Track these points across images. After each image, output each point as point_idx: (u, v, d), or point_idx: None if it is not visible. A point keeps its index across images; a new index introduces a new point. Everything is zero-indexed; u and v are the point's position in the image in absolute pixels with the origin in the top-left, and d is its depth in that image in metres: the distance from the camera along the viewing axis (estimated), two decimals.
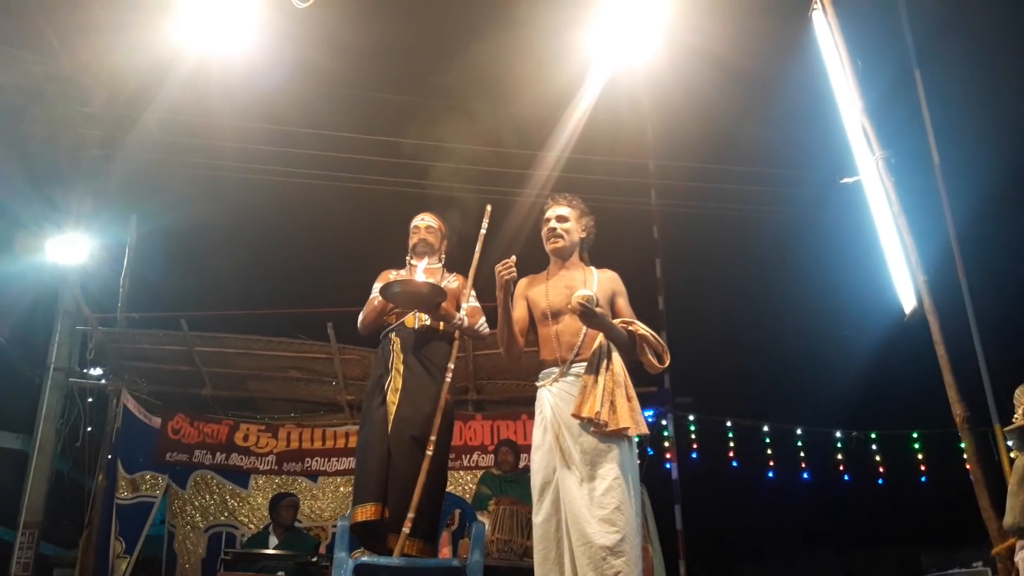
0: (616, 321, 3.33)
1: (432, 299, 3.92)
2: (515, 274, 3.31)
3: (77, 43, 6.46)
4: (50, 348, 7.78)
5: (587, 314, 3.17)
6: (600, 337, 3.27)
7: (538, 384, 3.40)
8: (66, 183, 7.67)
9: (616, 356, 3.25)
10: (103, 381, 7.70)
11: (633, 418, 3.16)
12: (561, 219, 3.56)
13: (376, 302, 4.03)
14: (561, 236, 3.53)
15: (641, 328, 3.35)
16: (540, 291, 3.49)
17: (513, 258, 3.32)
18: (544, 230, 3.57)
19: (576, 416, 3.13)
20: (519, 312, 3.49)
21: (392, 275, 4.14)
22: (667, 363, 3.35)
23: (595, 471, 3.07)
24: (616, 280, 3.54)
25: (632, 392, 3.24)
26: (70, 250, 7.62)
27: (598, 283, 3.45)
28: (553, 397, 3.28)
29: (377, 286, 4.10)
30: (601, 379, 3.17)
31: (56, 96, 6.40)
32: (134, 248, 8.31)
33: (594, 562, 2.94)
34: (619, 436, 3.13)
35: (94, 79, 6.25)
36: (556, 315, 3.38)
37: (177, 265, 9.63)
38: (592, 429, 3.12)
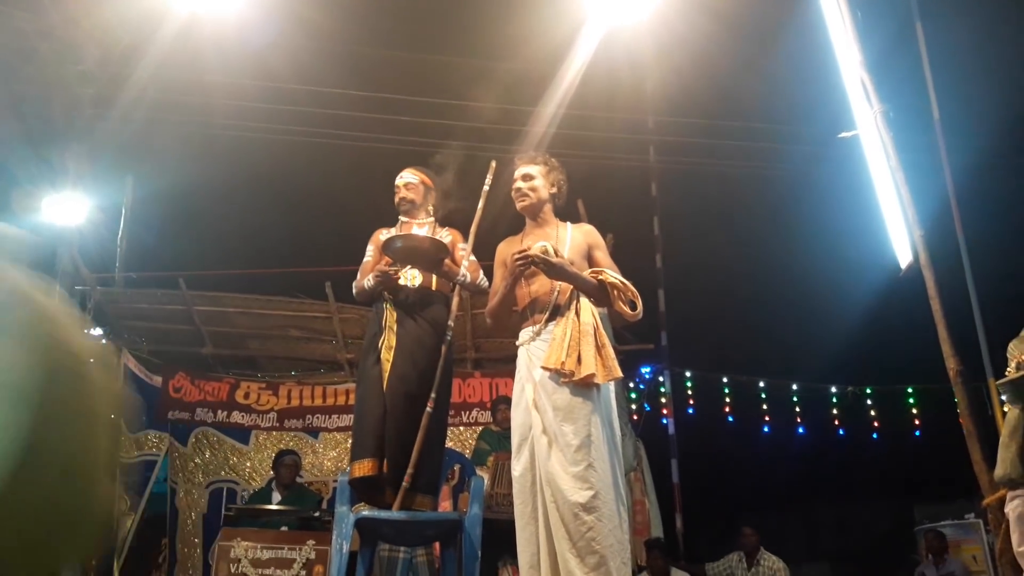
0: (585, 272, 3.32)
1: (435, 254, 3.93)
2: (529, 269, 3.30)
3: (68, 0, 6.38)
4: None
5: (547, 264, 3.19)
6: (571, 291, 3.28)
7: (517, 343, 3.42)
8: (61, 142, 7.62)
9: (585, 305, 3.24)
10: (103, 341, 7.74)
11: (603, 364, 3.13)
12: (527, 177, 3.53)
13: (367, 287, 4.02)
14: (527, 195, 3.51)
15: (610, 276, 3.32)
16: (516, 252, 3.50)
17: (531, 252, 3.30)
18: (512, 190, 3.56)
19: (545, 368, 3.14)
20: (501, 277, 3.51)
21: (383, 234, 4.13)
22: (639, 310, 3.33)
23: (567, 427, 3.07)
24: (591, 233, 3.52)
25: (604, 340, 3.22)
26: (67, 210, 7.60)
27: (571, 238, 3.43)
28: (529, 355, 3.30)
29: (370, 248, 4.09)
30: (568, 329, 3.18)
31: (49, 55, 6.32)
32: (131, 208, 8.30)
33: (566, 518, 2.97)
34: (588, 387, 3.12)
35: (87, 36, 6.17)
36: (530, 275, 3.36)
37: (174, 225, 9.62)
38: (561, 381, 3.12)
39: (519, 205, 3.54)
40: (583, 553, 2.94)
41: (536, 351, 3.27)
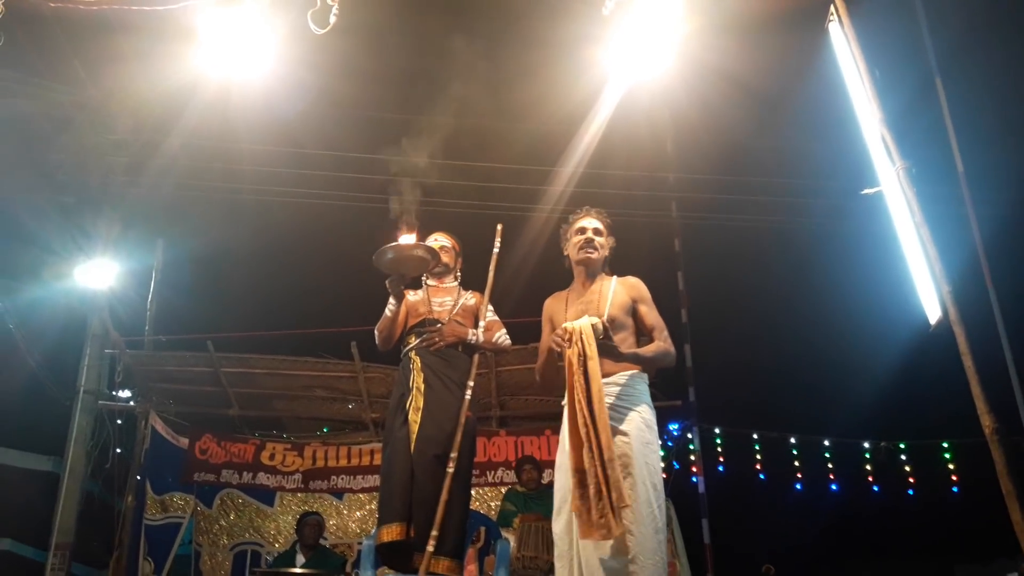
0: (627, 350, 3.28)
1: (426, 261, 3.97)
2: (567, 349, 3.28)
3: (102, 72, 6.59)
4: (80, 371, 7.91)
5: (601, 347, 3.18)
6: None
7: (563, 403, 3.39)
8: (93, 209, 7.82)
9: None
10: (131, 403, 7.82)
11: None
12: (598, 232, 3.55)
13: (389, 312, 4.05)
14: (596, 249, 3.52)
15: (649, 352, 3.35)
16: (561, 311, 3.49)
17: (570, 336, 3.28)
18: (578, 239, 3.53)
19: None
20: (547, 334, 3.50)
21: (410, 295, 4.17)
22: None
23: None
24: (637, 287, 3.49)
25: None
26: (98, 275, 7.76)
27: (614, 294, 3.42)
28: None
29: (391, 301, 4.09)
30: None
31: (83, 124, 6.53)
32: (160, 272, 8.45)
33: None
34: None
35: (120, 106, 6.38)
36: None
37: (202, 288, 9.76)
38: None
39: (585, 256, 3.51)
40: None
41: None
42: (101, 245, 7.75)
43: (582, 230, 3.55)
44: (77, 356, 7.98)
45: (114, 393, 7.98)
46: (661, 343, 3.39)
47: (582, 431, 3.02)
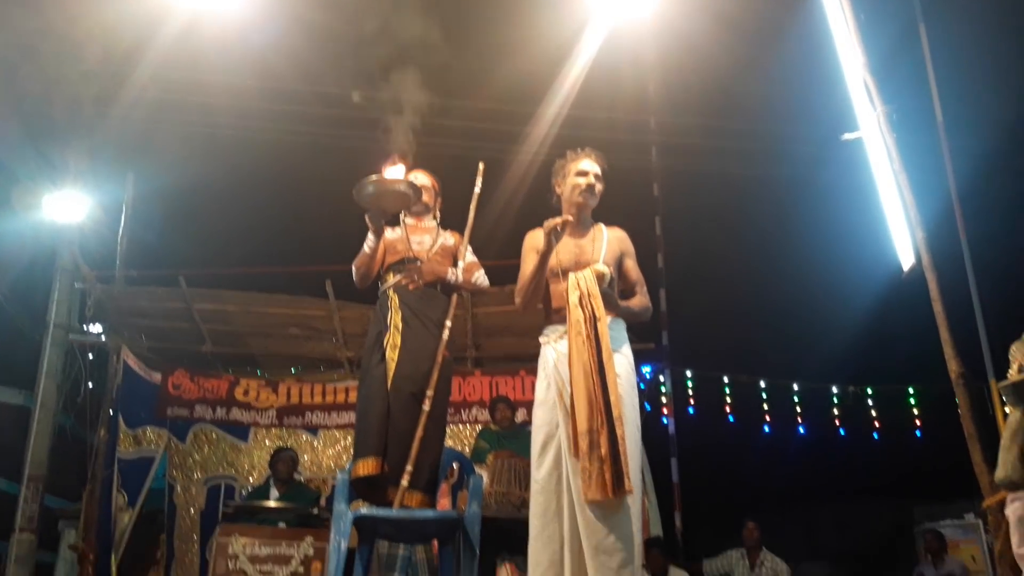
0: (621, 302, 3.35)
1: (408, 198, 3.91)
2: (559, 230, 3.28)
3: None
4: (49, 305, 7.81)
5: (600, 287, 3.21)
6: None
7: (542, 340, 3.40)
8: (62, 140, 7.62)
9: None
10: (103, 338, 7.75)
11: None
12: (598, 177, 3.50)
13: (368, 248, 4.00)
14: (595, 196, 3.49)
15: (636, 307, 3.41)
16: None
17: (570, 217, 3.29)
18: (578, 182, 3.47)
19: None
20: (530, 263, 3.47)
21: (388, 232, 4.12)
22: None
23: None
24: (625, 240, 3.51)
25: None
26: (67, 207, 7.61)
27: (607, 244, 3.42)
28: (557, 354, 3.27)
29: (370, 236, 4.04)
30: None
31: (50, 53, 6.32)
32: (131, 206, 8.30)
33: (594, 516, 2.98)
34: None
35: (88, 36, 6.16)
36: (565, 273, 3.33)
37: (175, 223, 9.62)
38: None
39: (583, 201, 3.47)
40: (611, 551, 2.94)
41: (563, 349, 3.25)
42: (70, 177, 7.58)
43: (583, 173, 3.48)
44: (47, 290, 7.87)
45: (85, 327, 7.91)
46: (643, 298, 3.46)
47: (592, 393, 3.04)
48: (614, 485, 2.92)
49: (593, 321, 3.13)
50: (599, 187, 3.50)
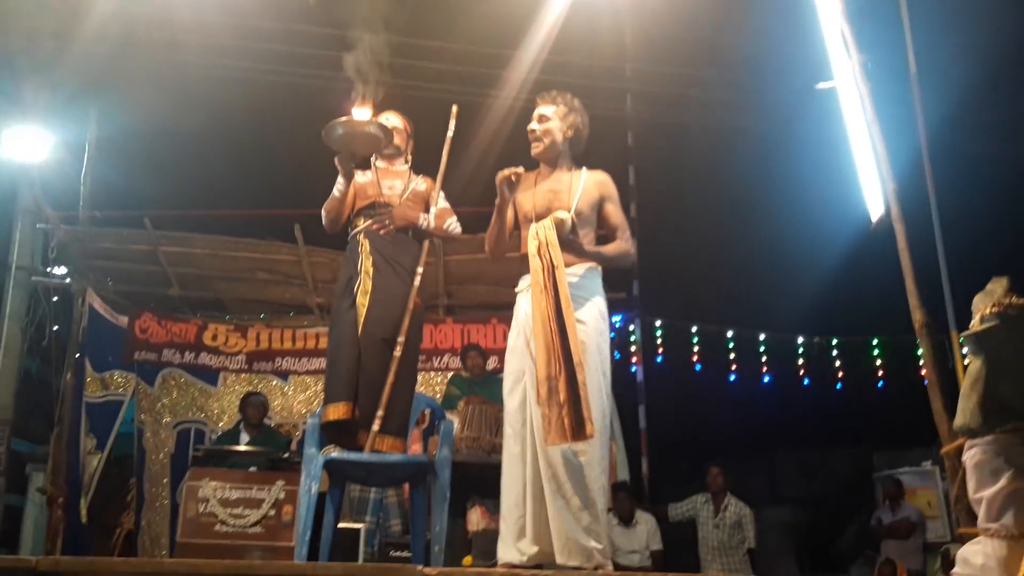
0: (589, 248, 3.31)
1: (378, 140, 3.85)
2: (513, 180, 3.28)
3: None
4: (11, 246, 7.64)
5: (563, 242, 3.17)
6: None
7: (517, 289, 3.40)
8: (21, 75, 7.36)
9: None
10: (67, 280, 7.61)
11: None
12: (542, 119, 3.43)
13: (338, 191, 3.94)
14: (540, 139, 3.42)
15: (610, 252, 3.39)
16: (527, 194, 3.42)
17: (520, 169, 3.26)
18: (528, 131, 3.47)
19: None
20: (510, 214, 3.46)
21: (359, 176, 4.06)
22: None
23: None
24: (605, 184, 3.43)
25: None
26: (28, 145, 7.38)
27: (583, 189, 3.36)
28: (527, 302, 3.29)
29: (340, 180, 3.98)
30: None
31: None
32: (95, 145, 8.07)
33: (557, 460, 3.05)
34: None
35: None
36: (539, 220, 3.31)
37: (140, 163, 9.38)
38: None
39: (532, 151, 3.44)
40: (569, 494, 3.00)
41: None
42: (31, 115, 7.34)
43: (530, 121, 3.47)
44: (7, 231, 7.70)
45: (48, 270, 7.76)
46: (623, 243, 3.40)
47: (551, 341, 3.05)
48: (574, 429, 2.95)
49: (551, 270, 3.12)
50: (543, 128, 3.42)
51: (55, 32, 7.06)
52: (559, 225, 3.18)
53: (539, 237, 3.17)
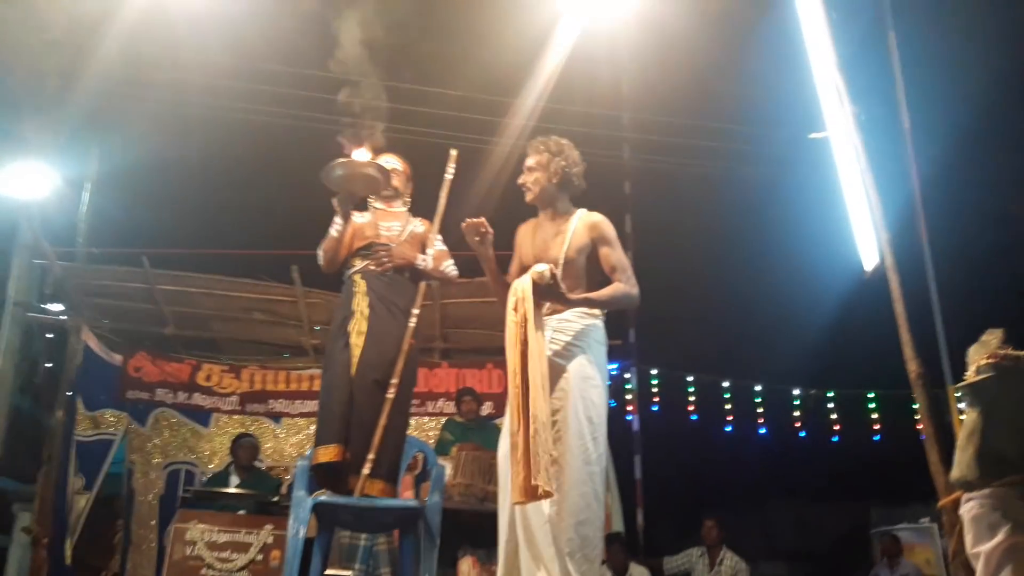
0: (574, 295, 3.23)
1: (377, 181, 3.86)
2: (481, 237, 3.28)
3: None
4: (8, 282, 7.63)
5: (538, 291, 3.12)
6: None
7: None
8: (24, 113, 7.42)
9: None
10: (63, 317, 7.58)
11: None
12: (529, 170, 3.47)
13: (335, 231, 3.95)
14: (530, 189, 3.46)
15: (604, 296, 3.30)
16: (528, 243, 3.46)
17: (482, 219, 3.27)
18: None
19: None
20: (516, 264, 3.48)
21: (357, 217, 4.07)
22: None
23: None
24: (598, 226, 3.39)
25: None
26: (28, 181, 7.41)
27: (572, 235, 3.34)
28: None
29: (337, 220, 3.98)
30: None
31: (12, 21, 6.15)
32: (95, 182, 8.12)
33: (540, 511, 3.00)
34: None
35: (52, 3, 6.01)
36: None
37: (139, 201, 9.42)
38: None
39: (526, 199, 3.48)
40: (537, 550, 2.94)
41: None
42: (33, 152, 7.39)
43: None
44: (5, 266, 7.69)
45: (44, 306, 7.74)
46: (621, 285, 3.31)
47: (516, 396, 2.99)
48: (523, 489, 2.85)
49: (524, 324, 3.08)
50: (532, 178, 3.44)
51: (60, 69, 7.14)
52: (536, 279, 3.15)
53: (516, 293, 3.16)
